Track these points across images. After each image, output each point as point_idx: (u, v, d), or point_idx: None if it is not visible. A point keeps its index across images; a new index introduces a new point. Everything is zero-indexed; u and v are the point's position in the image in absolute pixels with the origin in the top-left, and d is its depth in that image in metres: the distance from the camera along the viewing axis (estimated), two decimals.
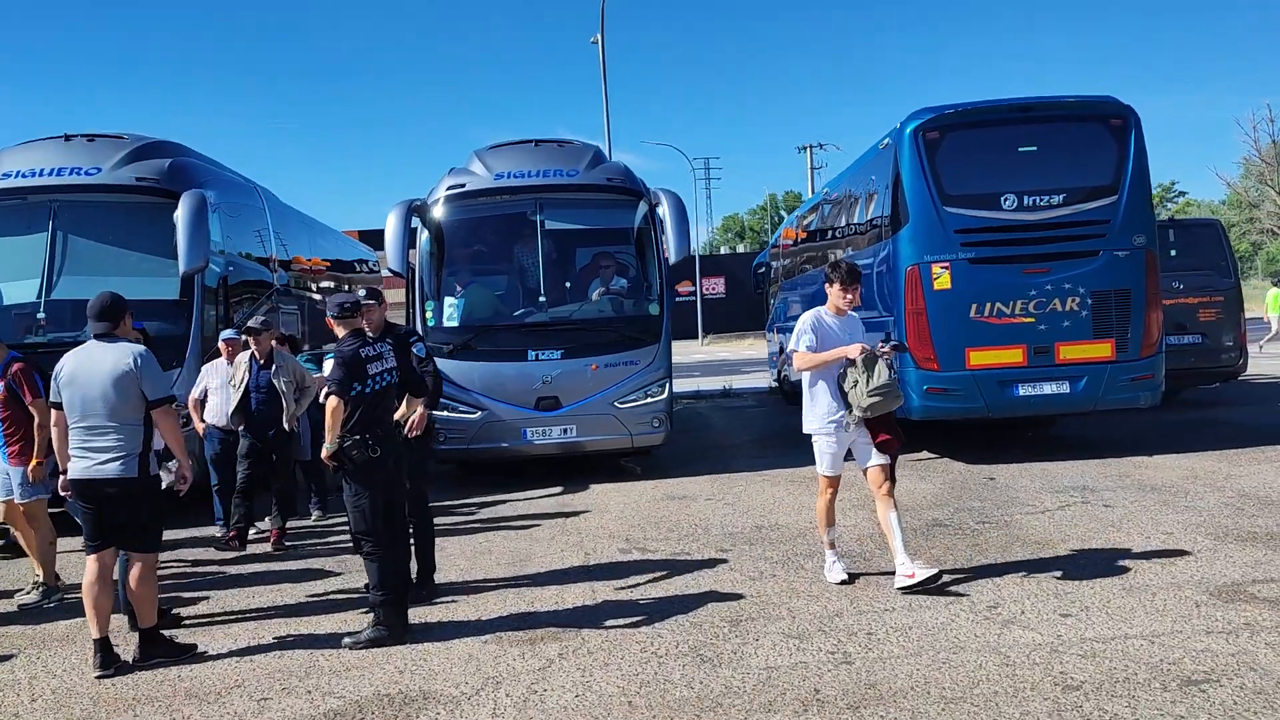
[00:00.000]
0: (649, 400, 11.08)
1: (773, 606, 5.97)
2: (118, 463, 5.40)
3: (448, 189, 11.45)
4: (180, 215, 9.50)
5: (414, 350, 6.67)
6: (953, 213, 10.71)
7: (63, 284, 9.80)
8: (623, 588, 6.59)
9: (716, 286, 50.80)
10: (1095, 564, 6.51)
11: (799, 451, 12.11)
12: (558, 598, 6.43)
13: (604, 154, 12.11)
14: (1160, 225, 15.70)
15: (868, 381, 6.07)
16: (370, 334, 6.56)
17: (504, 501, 10.12)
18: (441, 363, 10.80)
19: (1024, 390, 10.73)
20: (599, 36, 26.11)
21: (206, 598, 6.98)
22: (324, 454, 5.69)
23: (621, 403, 11.00)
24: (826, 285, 6.49)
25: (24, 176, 10.05)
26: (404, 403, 6.37)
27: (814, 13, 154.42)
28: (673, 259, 10.99)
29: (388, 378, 5.85)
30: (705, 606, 6.03)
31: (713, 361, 32.95)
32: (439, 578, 7.04)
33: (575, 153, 11.81)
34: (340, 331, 5.88)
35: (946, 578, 6.18)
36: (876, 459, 6.29)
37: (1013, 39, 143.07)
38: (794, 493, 9.71)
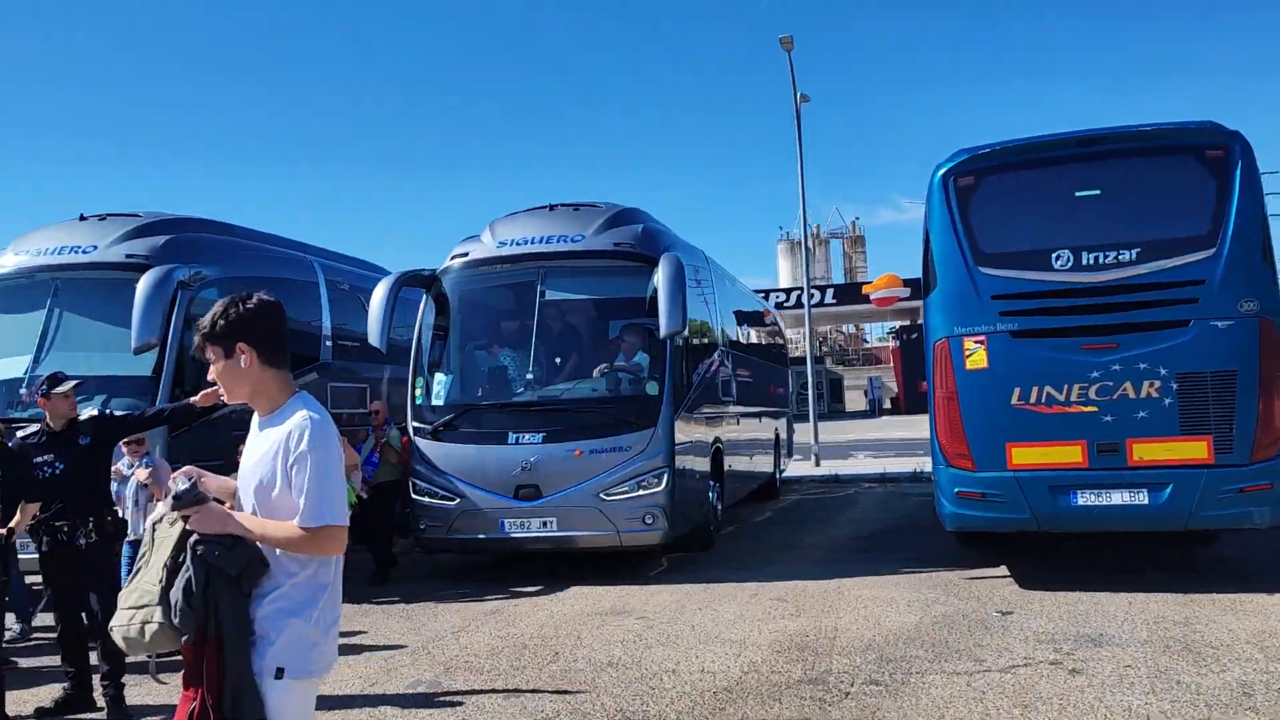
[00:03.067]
0: (641, 493, 9.72)
1: None
2: None
3: (450, 259, 10.80)
4: (138, 290, 9.42)
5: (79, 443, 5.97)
6: (989, 274, 8.63)
7: (51, 359, 10.00)
8: None
9: None
10: None
11: (870, 560, 10.30)
12: None
13: (631, 216, 10.90)
14: None
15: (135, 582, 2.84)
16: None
17: (447, 601, 9.15)
18: (423, 444, 10.20)
19: (1084, 499, 8.37)
20: (804, 95, 24.78)
21: None
22: None
23: (608, 494, 9.72)
24: None
25: (30, 255, 10.45)
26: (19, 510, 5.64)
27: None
28: (661, 333, 9.62)
29: None
30: None
31: None
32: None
33: (588, 216, 10.76)
34: None
35: None
36: None
37: None
38: (751, 613, 8.02)
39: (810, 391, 23.58)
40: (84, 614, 6.09)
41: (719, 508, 12.08)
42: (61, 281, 10.27)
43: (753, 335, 16.23)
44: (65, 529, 5.90)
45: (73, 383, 6.19)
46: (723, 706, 5.69)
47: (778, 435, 17.96)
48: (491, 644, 7.42)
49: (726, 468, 12.61)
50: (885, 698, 5.72)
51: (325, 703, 5.98)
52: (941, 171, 8.93)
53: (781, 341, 19.93)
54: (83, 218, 10.86)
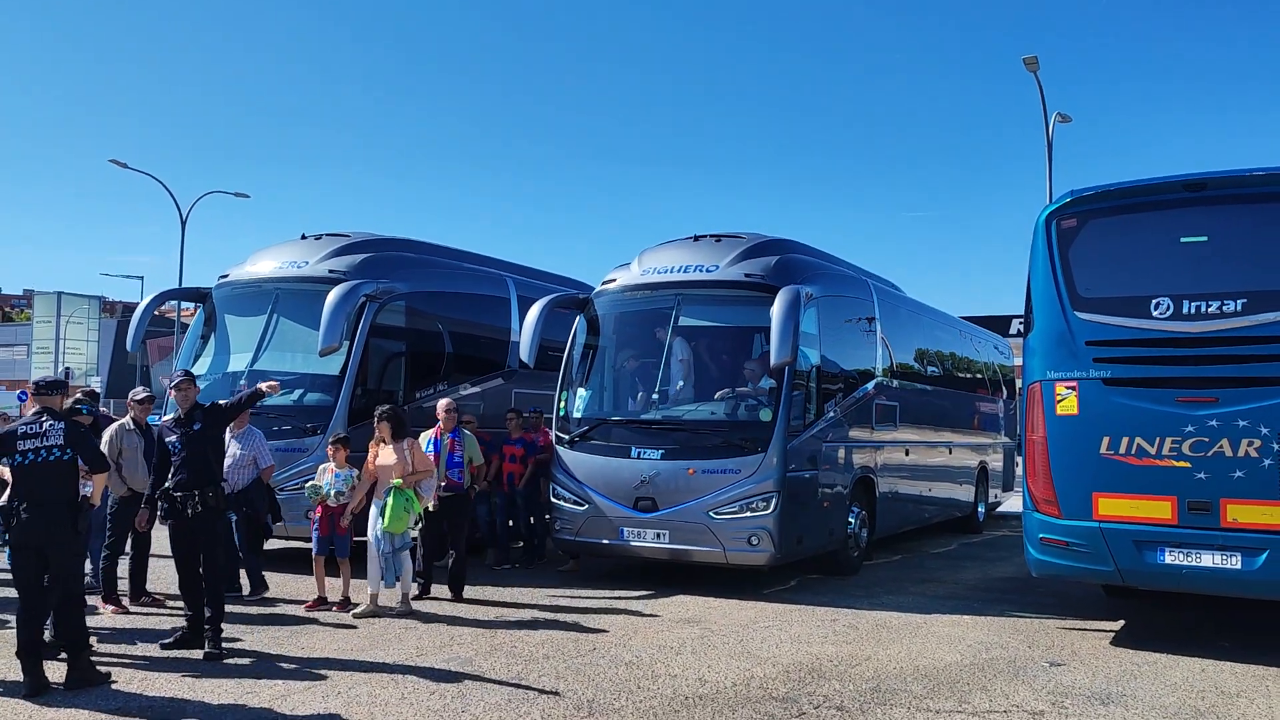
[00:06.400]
0: (748, 515, 10.19)
1: None
2: None
3: (601, 284, 11.74)
4: (327, 300, 10.96)
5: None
6: (1085, 319, 8.44)
7: (267, 357, 11.91)
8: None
9: None
10: None
11: (997, 601, 10.30)
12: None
13: (771, 247, 11.30)
14: None
15: None
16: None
17: (556, 597, 10.05)
18: (562, 451, 11.21)
19: (1171, 558, 8.03)
20: (1062, 115, 23.77)
21: None
22: None
23: (717, 513, 10.27)
24: None
25: (258, 266, 12.49)
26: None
27: None
28: (771, 362, 10.03)
29: (44, 454, 6.46)
30: None
31: None
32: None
33: (728, 247, 11.31)
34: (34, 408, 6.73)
35: None
36: None
37: None
38: (808, 635, 8.34)
39: None
40: (200, 569, 7.47)
41: (863, 534, 12.24)
42: (281, 291, 12.18)
43: (946, 364, 16.07)
44: (180, 498, 7.33)
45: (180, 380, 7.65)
46: (679, 710, 6.20)
47: (983, 467, 17.61)
48: (552, 636, 8.23)
49: (880, 496, 12.76)
50: None
51: (364, 665, 7.08)
52: (1046, 213, 8.82)
53: (1000, 372, 19.35)
54: (303, 237, 12.75)
